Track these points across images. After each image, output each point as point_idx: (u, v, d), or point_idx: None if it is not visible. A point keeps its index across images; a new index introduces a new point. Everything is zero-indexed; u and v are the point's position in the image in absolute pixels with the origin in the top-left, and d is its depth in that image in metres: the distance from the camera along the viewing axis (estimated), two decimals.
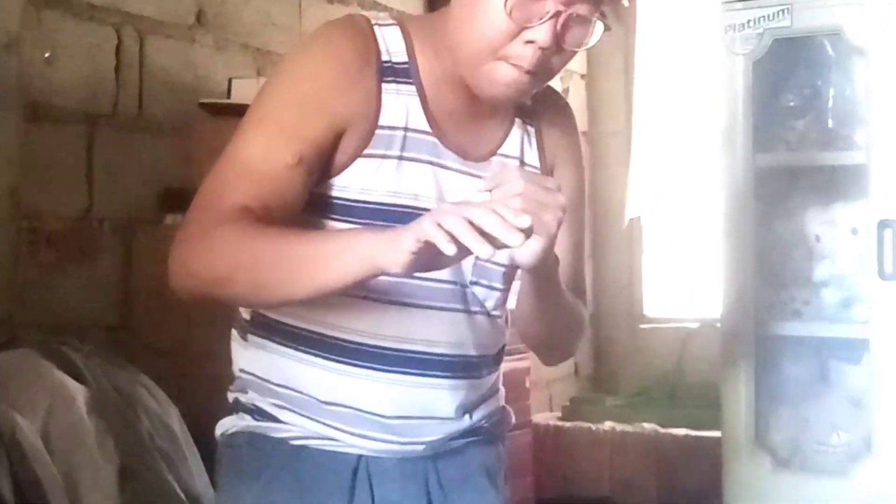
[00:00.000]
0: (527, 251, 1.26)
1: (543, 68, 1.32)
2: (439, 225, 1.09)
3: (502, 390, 1.56)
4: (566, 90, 4.78)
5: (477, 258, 1.28)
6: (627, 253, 4.85)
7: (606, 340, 4.88)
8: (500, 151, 1.45)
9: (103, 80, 2.81)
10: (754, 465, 2.84)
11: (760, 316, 2.85)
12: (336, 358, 1.38)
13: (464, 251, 1.10)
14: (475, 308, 1.44)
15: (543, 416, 4.33)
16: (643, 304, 4.83)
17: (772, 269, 2.90)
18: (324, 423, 1.39)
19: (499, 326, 1.50)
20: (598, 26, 1.32)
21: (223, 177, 1.29)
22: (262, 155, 1.29)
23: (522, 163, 1.47)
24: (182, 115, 2.90)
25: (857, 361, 2.81)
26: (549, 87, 1.45)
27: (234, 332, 1.48)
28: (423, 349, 1.39)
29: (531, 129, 1.49)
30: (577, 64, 4.80)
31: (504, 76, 1.32)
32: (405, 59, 1.37)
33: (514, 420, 1.59)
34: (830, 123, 2.89)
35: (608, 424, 4.19)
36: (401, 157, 1.35)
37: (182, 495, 2.20)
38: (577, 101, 4.88)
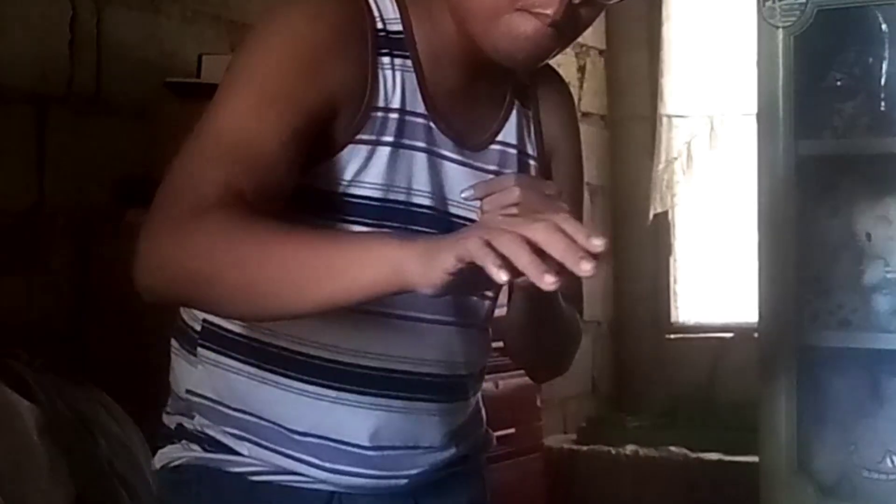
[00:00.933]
0: None
1: (569, 22, 1.29)
2: (489, 244, 1.00)
3: (484, 410, 1.55)
4: (582, 68, 4.78)
5: None
6: (652, 253, 4.85)
7: (628, 353, 4.89)
8: (498, 138, 1.44)
9: (55, 57, 2.80)
10: (796, 495, 2.84)
11: (803, 325, 2.85)
12: (308, 378, 1.34)
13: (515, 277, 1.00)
14: (469, 320, 1.43)
15: (557, 439, 4.34)
16: (670, 312, 4.84)
17: (816, 272, 2.90)
18: (291, 456, 1.35)
19: (488, 340, 1.50)
20: None
21: (201, 154, 1.21)
22: (251, 127, 1.21)
23: (522, 152, 1.46)
24: (145, 96, 2.90)
25: None
26: (547, 65, 1.43)
27: (175, 344, 1.42)
28: (410, 369, 1.38)
29: (530, 114, 1.49)
30: (595, 38, 4.81)
31: (525, 28, 1.28)
32: (400, 27, 1.35)
33: (495, 443, 1.57)
34: (883, 106, 2.88)
35: (630, 448, 4.20)
36: (395, 144, 1.33)
37: None
38: (594, 80, 4.89)
